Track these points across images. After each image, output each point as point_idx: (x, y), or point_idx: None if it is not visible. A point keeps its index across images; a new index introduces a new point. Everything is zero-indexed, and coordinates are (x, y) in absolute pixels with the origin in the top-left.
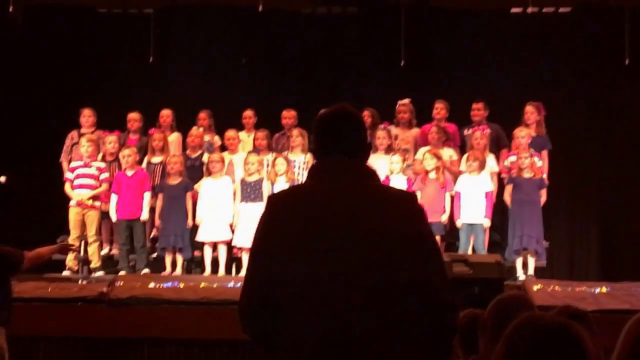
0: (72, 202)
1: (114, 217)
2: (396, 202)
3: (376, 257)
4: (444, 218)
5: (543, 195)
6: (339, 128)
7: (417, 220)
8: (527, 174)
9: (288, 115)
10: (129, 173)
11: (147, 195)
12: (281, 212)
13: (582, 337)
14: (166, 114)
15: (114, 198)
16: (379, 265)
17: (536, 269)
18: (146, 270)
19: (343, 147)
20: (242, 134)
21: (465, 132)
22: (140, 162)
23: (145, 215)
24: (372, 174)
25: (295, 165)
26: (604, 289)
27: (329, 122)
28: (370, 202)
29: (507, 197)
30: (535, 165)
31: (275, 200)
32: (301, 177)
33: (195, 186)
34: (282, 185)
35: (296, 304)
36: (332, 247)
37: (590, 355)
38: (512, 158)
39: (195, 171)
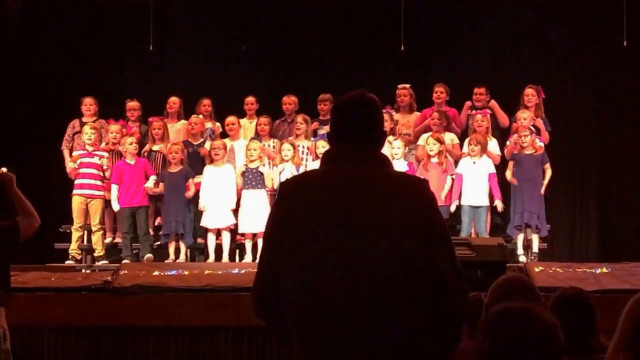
0: (75, 191)
1: (115, 206)
2: (407, 188)
3: (385, 244)
4: (442, 196)
5: (548, 170)
6: (354, 114)
7: (428, 207)
8: (528, 152)
9: (289, 101)
10: (131, 162)
11: (152, 177)
12: (292, 199)
13: (545, 318)
14: (173, 101)
15: (114, 188)
16: (388, 252)
17: (538, 249)
18: (149, 255)
19: (358, 134)
20: (244, 121)
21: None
22: (140, 150)
23: (155, 189)
24: (385, 160)
25: (299, 151)
26: (605, 270)
27: (345, 108)
28: (381, 189)
29: (508, 174)
30: (535, 143)
31: (286, 187)
32: (305, 162)
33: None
34: (288, 170)
35: (304, 292)
36: (341, 235)
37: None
38: (514, 138)
39: (197, 157)
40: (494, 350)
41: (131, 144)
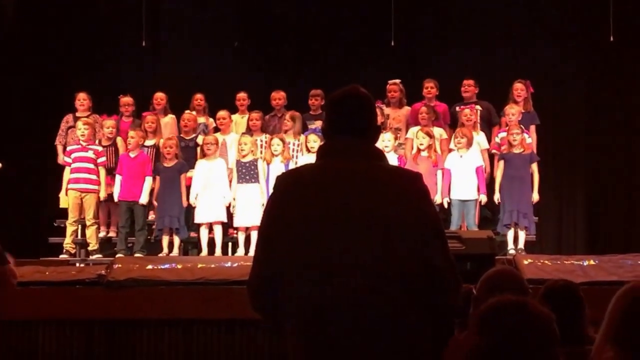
0: (70, 185)
1: (117, 197)
2: (402, 183)
3: (382, 240)
4: (438, 199)
5: (535, 172)
6: (348, 108)
7: (422, 201)
8: (517, 150)
9: (277, 96)
10: (132, 155)
11: (148, 180)
12: (287, 194)
13: (540, 310)
14: (160, 97)
15: (118, 179)
16: (385, 247)
17: (526, 243)
18: (139, 254)
19: (352, 128)
20: (236, 117)
21: (457, 109)
22: None
23: (144, 199)
24: (380, 154)
25: (289, 147)
26: (592, 262)
27: (339, 102)
28: (376, 183)
29: (498, 174)
30: (525, 141)
31: (282, 181)
32: (295, 158)
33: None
34: (278, 165)
35: (301, 290)
36: (337, 231)
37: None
38: (503, 134)
39: (189, 152)
40: (490, 345)
41: (132, 137)
